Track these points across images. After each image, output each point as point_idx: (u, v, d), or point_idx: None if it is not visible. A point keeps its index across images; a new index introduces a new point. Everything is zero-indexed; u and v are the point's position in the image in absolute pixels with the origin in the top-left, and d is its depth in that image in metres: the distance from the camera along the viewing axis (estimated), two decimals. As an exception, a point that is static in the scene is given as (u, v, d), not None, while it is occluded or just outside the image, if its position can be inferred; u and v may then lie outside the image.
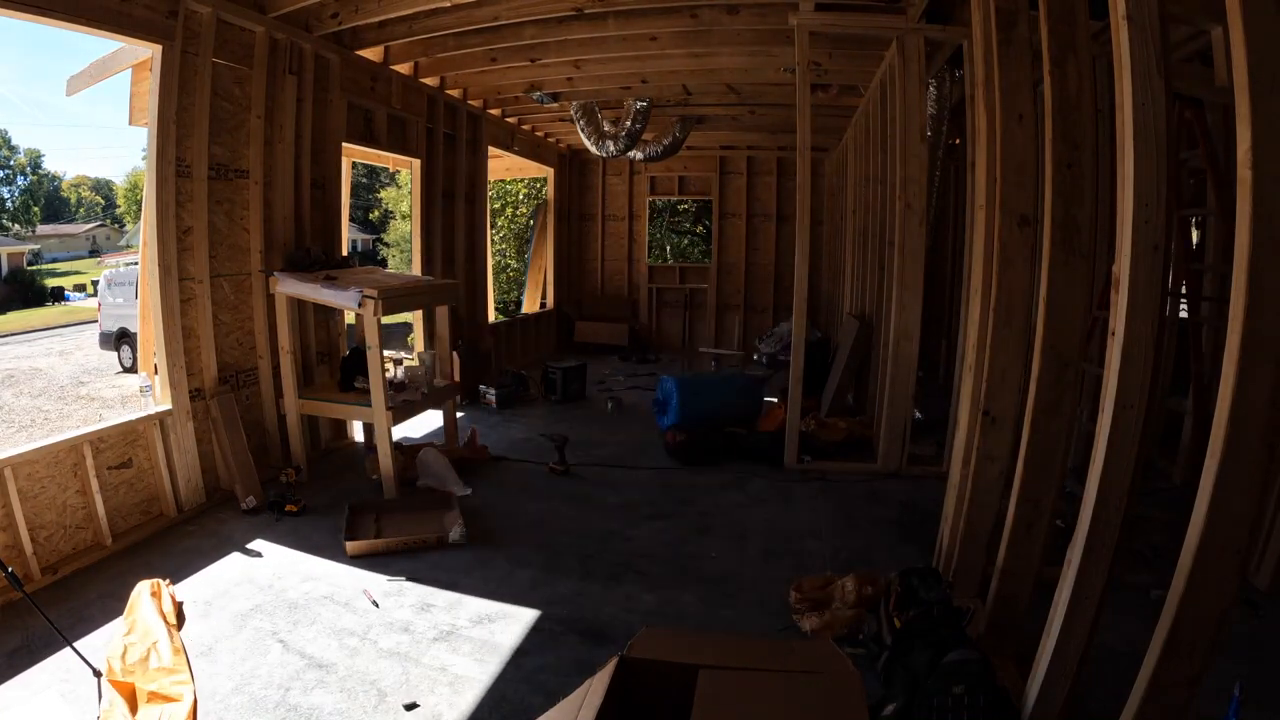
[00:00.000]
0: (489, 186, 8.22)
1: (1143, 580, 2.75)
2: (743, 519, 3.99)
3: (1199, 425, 4.10)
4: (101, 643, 2.62)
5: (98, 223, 45.28)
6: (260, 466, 4.22)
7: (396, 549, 3.47)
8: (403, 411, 4.45)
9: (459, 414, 5.69)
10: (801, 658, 1.82)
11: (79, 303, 26.34)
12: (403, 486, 4.20)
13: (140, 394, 4.09)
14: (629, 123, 7.26)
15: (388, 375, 4.48)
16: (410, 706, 2.35)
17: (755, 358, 9.31)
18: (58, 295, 28.39)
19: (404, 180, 18.35)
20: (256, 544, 3.53)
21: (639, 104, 7.11)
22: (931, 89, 4.95)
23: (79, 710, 2.24)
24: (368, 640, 2.71)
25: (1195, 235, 5.05)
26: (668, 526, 3.89)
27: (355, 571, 3.26)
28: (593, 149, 7.60)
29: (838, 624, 2.72)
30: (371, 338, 4.07)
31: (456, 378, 5.77)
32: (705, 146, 9.84)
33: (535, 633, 2.79)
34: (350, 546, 3.40)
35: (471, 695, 2.39)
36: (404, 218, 19.52)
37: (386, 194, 22.63)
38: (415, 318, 6.16)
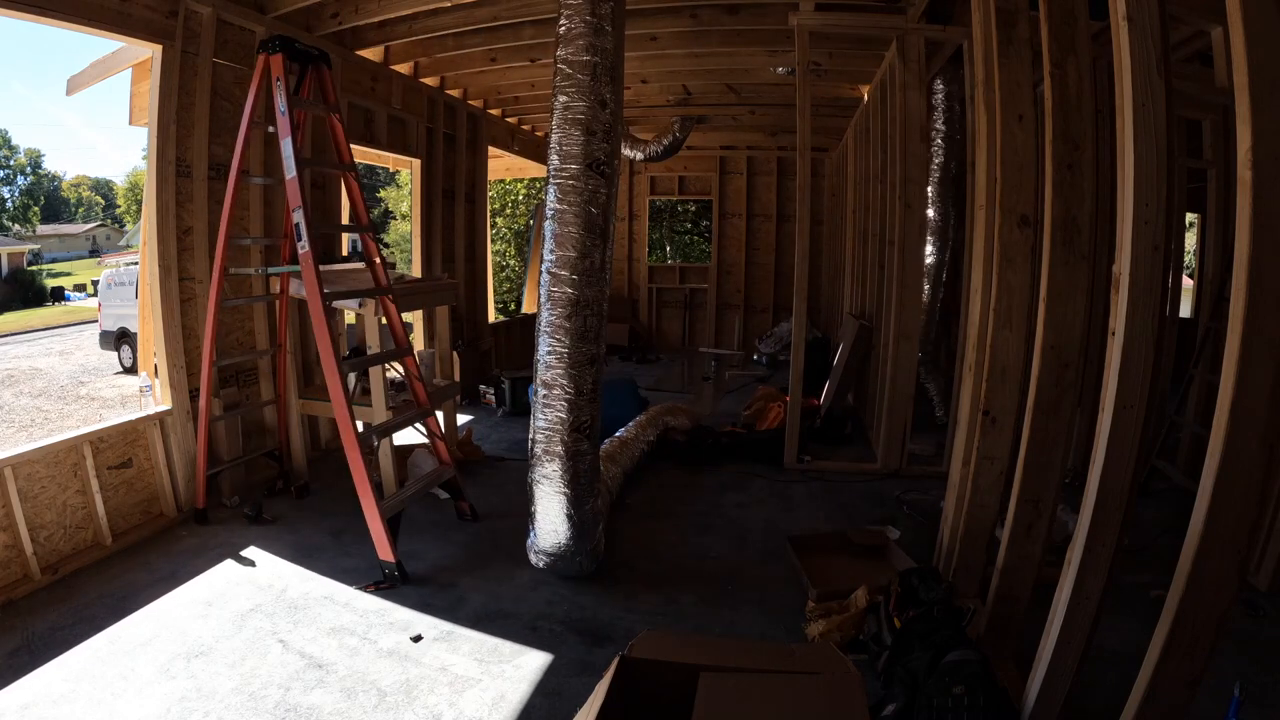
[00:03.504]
0: (489, 186, 8.22)
1: (1143, 580, 2.75)
2: (743, 519, 3.99)
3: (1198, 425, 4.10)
4: (104, 642, 2.63)
5: (98, 223, 45.29)
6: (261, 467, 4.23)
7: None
8: (403, 411, 4.44)
9: (468, 416, 5.69)
10: (802, 659, 1.83)
11: (79, 303, 26.37)
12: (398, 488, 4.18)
13: (140, 394, 4.09)
14: (667, 140, 8.03)
15: (388, 375, 4.47)
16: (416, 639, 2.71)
17: (755, 357, 9.33)
18: (58, 295, 28.42)
19: (404, 180, 18.35)
20: (256, 544, 3.53)
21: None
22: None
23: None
24: (367, 640, 2.71)
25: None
26: (667, 526, 3.89)
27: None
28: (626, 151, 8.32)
29: (840, 628, 2.71)
30: (371, 338, 4.06)
31: (457, 378, 5.77)
32: (705, 146, 9.83)
33: (535, 632, 2.80)
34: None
35: (471, 695, 2.39)
36: (404, 218, 19.53)
37: (386, 194, 22.62)
38: (415, 318, 6.15)
